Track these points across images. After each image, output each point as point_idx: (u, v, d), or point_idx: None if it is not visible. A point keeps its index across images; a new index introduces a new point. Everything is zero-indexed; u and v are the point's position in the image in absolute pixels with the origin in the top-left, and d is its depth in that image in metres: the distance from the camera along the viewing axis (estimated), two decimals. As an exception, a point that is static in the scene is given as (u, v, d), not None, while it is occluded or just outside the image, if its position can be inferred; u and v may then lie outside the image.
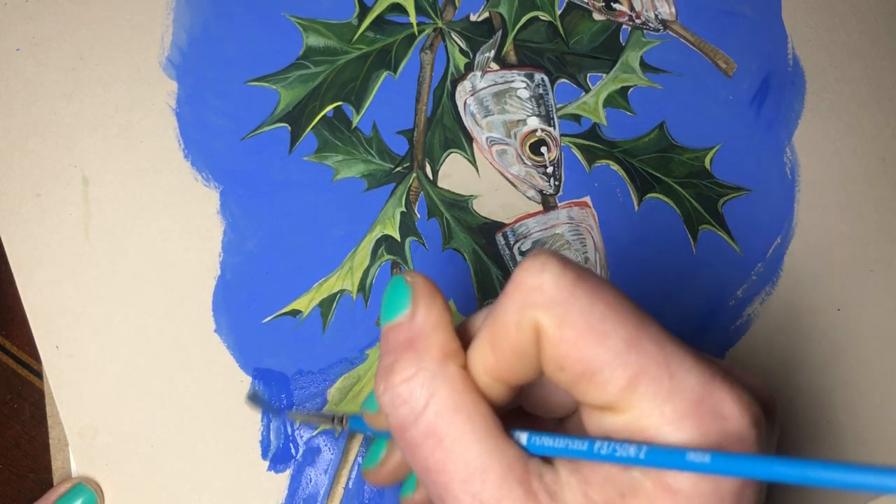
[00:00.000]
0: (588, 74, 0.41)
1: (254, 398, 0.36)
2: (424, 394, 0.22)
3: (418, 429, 0.22)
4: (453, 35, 0.41)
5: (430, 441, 0.21)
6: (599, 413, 0.21)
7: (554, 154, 0.40)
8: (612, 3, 0.42)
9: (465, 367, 0.23)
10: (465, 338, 0.24)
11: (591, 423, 0.22)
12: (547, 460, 0.22)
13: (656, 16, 0.42)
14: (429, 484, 0.22)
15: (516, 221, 0.40)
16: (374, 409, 0.26)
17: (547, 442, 0.22)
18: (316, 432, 0.37)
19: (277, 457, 0.36)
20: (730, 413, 0.20)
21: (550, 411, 0.26)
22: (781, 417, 0.24)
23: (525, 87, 0.41)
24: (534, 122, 0.40)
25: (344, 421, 0.31)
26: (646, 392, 0.20)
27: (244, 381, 0.37)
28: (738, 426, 0.20)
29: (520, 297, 0.21)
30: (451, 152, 0.40)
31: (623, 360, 0.20)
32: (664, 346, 0.21)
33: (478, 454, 0.21)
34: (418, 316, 0.23)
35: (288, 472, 0.36)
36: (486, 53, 0.41)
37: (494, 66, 0.41)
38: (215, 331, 0.37)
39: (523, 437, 0.22)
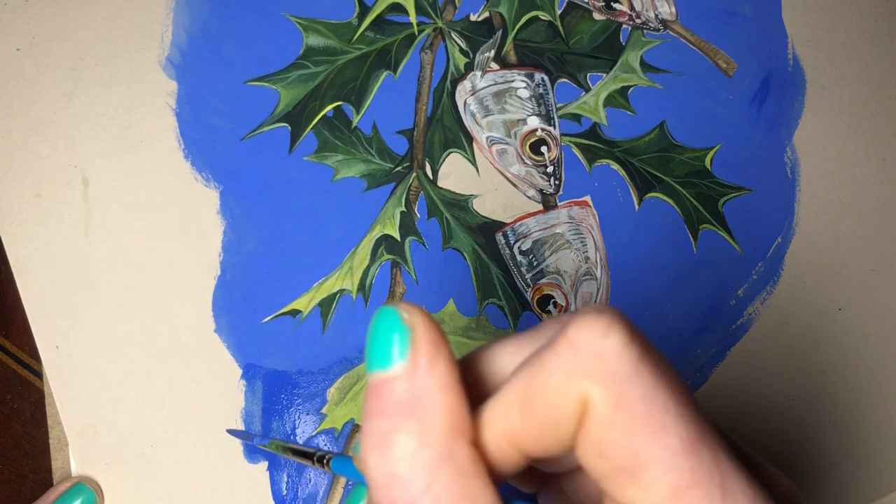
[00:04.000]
0: (588, 74, 0.41)
1: (233, 432, 0.36)
2: (425, 477, 0.18)
3: None
4: (453, 35, 0.41)
5: None
6: None
7: (554, 153, 0.40)
8: (612, 3, 0.42)
9: (474, 442, 0.19)
10: (475, 376, 0.21)
11: None
12: None
13: (656, 15, 0.42)
14: None
15: (516, 221, 0.40)
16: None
17: None
18: (315, 432, 0.37)
19: (275, 456, 0.36)
20: None
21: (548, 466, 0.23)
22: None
23: (525, 87, 0.41)
24: (534, 122, 0.40)
25: (326, 462, 0.27)
26: None
27: (244, 381, 0.37)
28: None
29: (573, 359, 0.18)
30: (451, 152, 0.40)
31: (677, 463, 0.17)
32: (720, 455, 0.18)
33: None
34: (421, 370, 0.19)
35: (286, 472, 0.36)
36: (486, 53, 0.41)
37: (494, 65, 0.41)
38: (215, 331, 0.37)
39: None
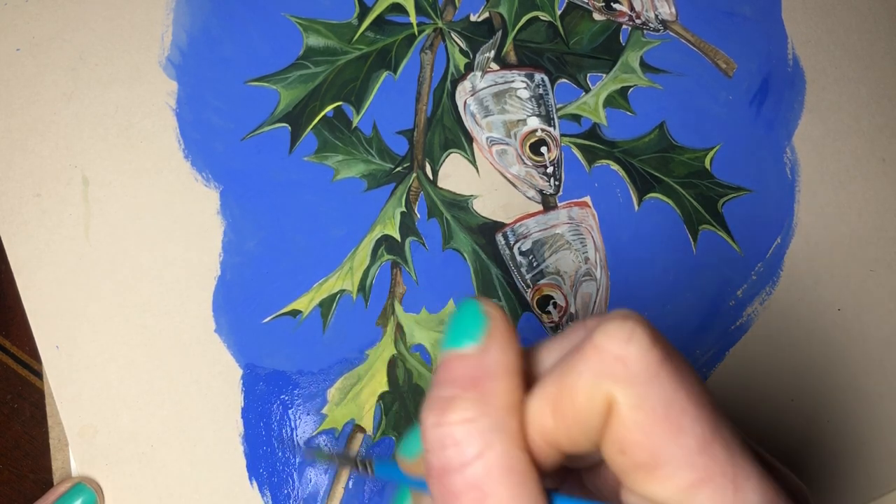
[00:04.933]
0: (588, 74, 0.41)
1: (311, 451, 0.36)
2: (480, 443, 0.20)
3: (463, 478, 0.20)
4: (453, 35, 0.41)
5: (472, 495, 0.19)
6: (645, 501, 0.20)
7: (554, 154, 0.40)
8: (612, 3, 0.42)
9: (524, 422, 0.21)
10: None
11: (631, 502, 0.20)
12: None
13: (656, 16, 0.42)
14: None
15: (516, 221, 0.40)
16: (412, 455, 0.23)
17: None
18: (315, 432, 0.37)
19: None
20: None
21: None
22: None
23: (525, 87, 0.41)
24: (534, 122, 0.40)
25: (369, 467, 0.28)
26: (706, 500, 0.18)
27: (244, 381, 0.37)
28: None
29: (599, 364, 0.19)
30: (451, 152, 0.40)
31: (692, 460, 0.18)
32: (734, 453, 0.19)
33: None
34: (491, 353, 0.21)
35: (286, 472, 0.36)
36: (486, 53, 0.41)
37: (494, 66, 0.41)
38: (215, 331, 0.37)
39: None
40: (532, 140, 0.40)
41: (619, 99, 0.41)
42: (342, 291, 0.38)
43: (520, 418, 0.20)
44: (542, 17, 0.41)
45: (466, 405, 0.20)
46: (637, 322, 0.19)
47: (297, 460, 0.36)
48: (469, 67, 0.40)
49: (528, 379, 0.22)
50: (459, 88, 0.40)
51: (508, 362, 0.21)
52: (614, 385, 0.19)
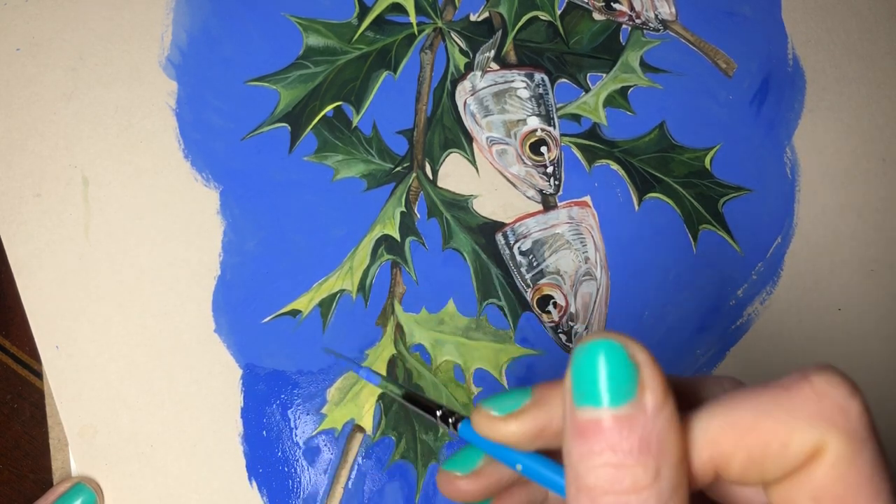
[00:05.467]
0: (588, 74, 0.41)
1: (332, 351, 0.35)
2: None
3: None
4: (453, 35, 0.41)
5: None
6: None
7: (554, 154, 0.40)
8: (612, 3, 0.42)
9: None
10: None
11: None
12: None
13: (656, 16, 0.42)
14: None
15: (516, 221, 0.40)
16: (504, 412, 0.21)
17: None
18: (315, 432, 0.37)
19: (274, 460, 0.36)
20: None
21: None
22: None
23: (525, 87, 0.41)
24: (534, 122, 0.40)
25: (453, 423, 0.24)
26: None
27: (244, 381, 0.37)
28: None
29: (818, 408, 0.18)
30: (451, 152, 0.40)
31: None
32: None
33: None
34: (650, 408, 0.19)
35: (286, 472, 0.36)
36: (486, 53, 0.41)
37: (494, 65, 0.41)
38: (215, 331, 0.37)
39: None
40: (532, 140, 0.40)
41: (619, 99, 0.41)
42: (342, 291, 0.38)
43: (688, 470, 0.19)
44: (542, 17, 0.41)
45: (642, 472, 0.19)
46: (850, 382, 0.19)
47: (305, 440, 0.36)
48: (469, 67, 0.40)
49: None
50: (459, 88, 0.40)
51: (669, 415, 0.19)
52: (832, 432, 0.18)
